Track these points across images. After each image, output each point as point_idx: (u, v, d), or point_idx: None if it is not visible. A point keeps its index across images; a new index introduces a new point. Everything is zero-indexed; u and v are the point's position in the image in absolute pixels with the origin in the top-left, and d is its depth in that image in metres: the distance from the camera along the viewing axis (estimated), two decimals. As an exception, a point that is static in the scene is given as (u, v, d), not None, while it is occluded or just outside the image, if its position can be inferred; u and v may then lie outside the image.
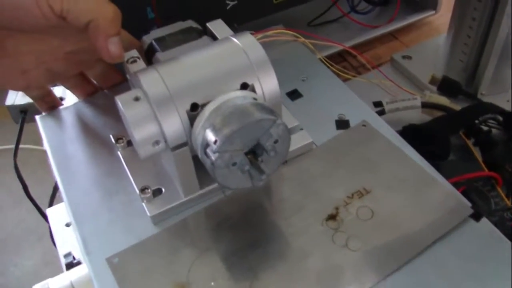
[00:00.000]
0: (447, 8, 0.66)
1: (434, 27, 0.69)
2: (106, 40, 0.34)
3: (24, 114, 0.56)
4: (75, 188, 0.38)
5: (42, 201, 0.62)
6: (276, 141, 0.30)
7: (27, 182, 0.58)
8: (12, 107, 0.56)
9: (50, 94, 0.45)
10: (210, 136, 0.29)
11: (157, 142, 0.31)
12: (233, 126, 0.28)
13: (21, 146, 0.56)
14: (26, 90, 0.43)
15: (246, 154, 0.30)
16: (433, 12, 0.67)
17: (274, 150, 0.30)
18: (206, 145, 0.29)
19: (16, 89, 0.42)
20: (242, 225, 0.35)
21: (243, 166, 0.30)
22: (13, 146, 0.55)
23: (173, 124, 0.31)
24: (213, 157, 0.29)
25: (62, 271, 0.48)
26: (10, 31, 0.36)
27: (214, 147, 0.28)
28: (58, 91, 0.52)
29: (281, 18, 0.54)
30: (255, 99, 0.31)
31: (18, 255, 1.29)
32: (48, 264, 1.25)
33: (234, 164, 0.29)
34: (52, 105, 0.45)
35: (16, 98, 0.56)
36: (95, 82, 0.46)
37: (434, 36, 0.67)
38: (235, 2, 0.52)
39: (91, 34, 0.34)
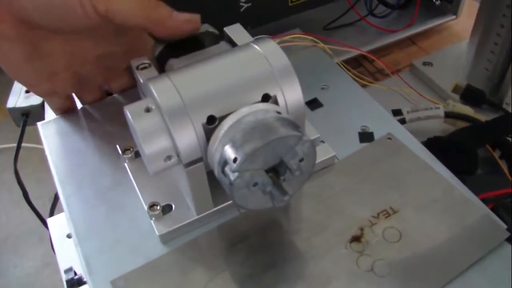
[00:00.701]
0: (468, 13, 0.64)
1: (454, 32, 0.66)
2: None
3: (25, 117, 0.54)
4: (78, 201, 0.36)
5: (43, 202, 0.60)
6: (301, 160, 0.27)
7: (28, 182, 0.56)
8: (14, 110, 0.54)
9: (70, 96, 0.43)
10: (229, 153, 0.26)
11: (169, 157, 0.29)
12: (255, 143, 0.25)
13: (22, 145, 0.54)
14: (49, 96, 0.41)
15: (267, 172, 0.27)
16: (454, 17, 0.64)
17: (299, 170, 0.27)
18: (225, 162, 0.26)
19: (40, 93, 0.41)
20: (258, 245, 0.33)
21: (265, 186, 0.27)
22: (14, 145, 0.53)
23: (187, 139, 0.28)
24: (232, 176, 0.26)
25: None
26: (47, 31, 0.35)
27: (234, 165, 0.26)
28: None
29: (295, 21, 0.52)
30: (278, 112, 0.28)
31: (19, 255, 1.27)
32: (48, 265, 1.24)
33: (255, 184, 0.27)
34: (68, 108, 0.43)
35: (18, 100, 0.54)
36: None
37: (454, 42, 0.64)
38: (249, 4, 0.50)
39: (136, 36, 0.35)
